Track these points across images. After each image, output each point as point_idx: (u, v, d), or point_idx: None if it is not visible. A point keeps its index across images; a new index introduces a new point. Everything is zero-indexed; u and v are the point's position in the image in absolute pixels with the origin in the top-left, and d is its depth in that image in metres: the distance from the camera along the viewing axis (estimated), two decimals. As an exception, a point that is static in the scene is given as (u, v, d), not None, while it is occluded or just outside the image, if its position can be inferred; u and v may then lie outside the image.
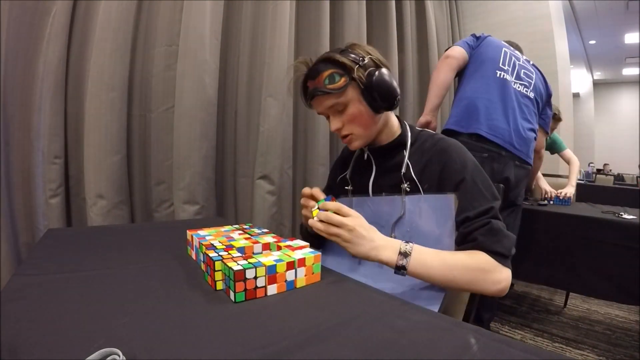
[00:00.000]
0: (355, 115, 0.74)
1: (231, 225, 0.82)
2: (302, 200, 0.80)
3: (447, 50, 1.54)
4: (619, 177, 6.33)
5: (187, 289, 0.55)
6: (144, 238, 0.89)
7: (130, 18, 1.30)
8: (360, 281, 0.61)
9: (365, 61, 0.72)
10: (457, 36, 3.30)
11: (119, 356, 0.33)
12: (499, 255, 0.65)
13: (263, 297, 0.52)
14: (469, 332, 0.42)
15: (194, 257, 0.70)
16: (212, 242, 0.65)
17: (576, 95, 8.92)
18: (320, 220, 0.66)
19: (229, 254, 0.58)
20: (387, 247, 0.65)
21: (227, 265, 0.52)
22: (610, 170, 8.08)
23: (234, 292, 0.50)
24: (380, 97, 0.71)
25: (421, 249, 0.66)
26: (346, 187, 0.87)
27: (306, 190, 0.78)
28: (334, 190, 0.92)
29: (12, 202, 1.13)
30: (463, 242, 0.68)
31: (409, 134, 0.81)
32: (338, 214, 0.66)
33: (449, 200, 0.70)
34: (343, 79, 0.71)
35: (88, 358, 0.33)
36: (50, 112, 1.17)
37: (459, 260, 0.65)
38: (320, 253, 0.60)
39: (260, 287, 0.52)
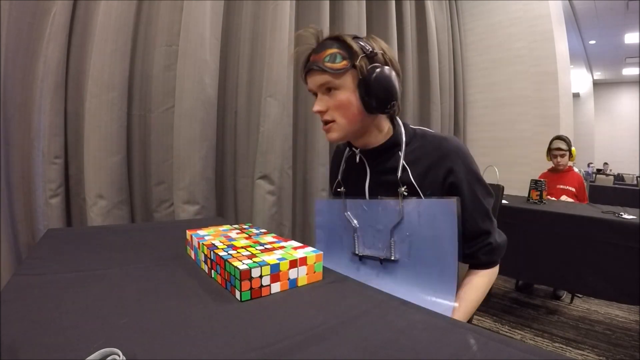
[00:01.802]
0: (344, 103, 0.69)
1: (231, 225, 0.82)
2: None
3: None
4: (619, 177, 6.33)
5: (187, 289, 0.55)
6: (144, 238, 0.89)
7: (130, 18, 1.30)
8: (360, 281, 0.61)
9: (375, 54, 0.68)
10: (457, 36, 3.30)
11: (119, 356, 0.33)
12: (495, 263, 0.75)
13: (267, 296, 0.53)
14: (469, 332, 0.42)
15: (193, 257, 0.70)
16: (212, 241, 0.65)
17: (576, 95, 8.93)
18: None
19: (238, 252, 0.59)
20: None
21: (233, 265, 0.52)
22: (610, 170, 8.08)
23: (240, 291, 0.50)
24: (375, 96, 0.67)
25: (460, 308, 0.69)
26: (338, 190, 0.84)
27: None
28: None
29: (12, 202, 1.13)
30: (464, 260, 0.74)
31: (404, 133, 0.76)
32: None
33: (451, 205, 0.68)
34: (344, 62, 0.67)
35: (88, 358, 0.32)
36: (50, 112, 1.17)
37: (478, 296, 0.73)
38: (321, 252, 0.60)
39: (265, 285, 0.53)
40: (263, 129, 1.53)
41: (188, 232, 0.73)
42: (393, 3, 2.31)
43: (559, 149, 2.30)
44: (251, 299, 0.51)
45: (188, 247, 0.74)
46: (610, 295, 1.55)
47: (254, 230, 0.76)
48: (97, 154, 1.23)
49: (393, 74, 0.68)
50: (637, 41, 6.44)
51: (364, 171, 0.80)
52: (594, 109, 9.61)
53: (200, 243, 0.65)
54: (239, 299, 0.51)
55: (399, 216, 0.73)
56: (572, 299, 2.15)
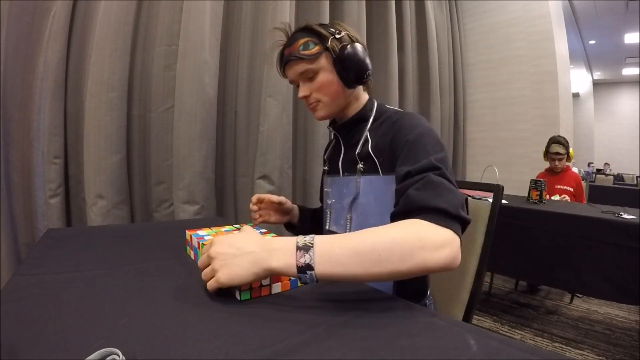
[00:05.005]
0: (324, 84, 0.75)
1: (231, 225, 0.82)
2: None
3: None
4: (618, 177, 6.33)
5: (187, 289, 0.55)
6: (144, 238, 0.89)
7: (130, 18, 1.30)
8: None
9: (342, 35, 0.74)
10: (457, 36, 3.30)
11: (119, 356, 0.33)
12: (438, 213, 0.50)
13: (267, 296, 0.53)
14: (469, 332, 0.42)
15: (192, 257, 0.70)
16: (212, 242, 0.65)
17: (576, 95, 8.93)
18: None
19: None
20: (276, 249, 0.48)
21: None
22: (610, 170, 8.08)
23: (240, 290, 0.50)
24: (351, 70, 0.72)
25: (324, 238, 0.48)
26: (324, 168, 0.90)
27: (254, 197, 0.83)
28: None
29: (12, 202, 1.13)
30: (396, 203, 0.59)
31: (374, 110, 0.79)
32: None
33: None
34: (317, 47, 0.73)
35: (88, 358, 0.32)
36: (50, 112, 1.17)
37: (377, 239, 0.47)
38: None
39: (265, 285, 0.53)
40: (263, 129, 1.53)
41: (188, 232, 0.73)
42: (393, 3, 2.31)
43: (558, 153, 2.29)
44: (251, 298, 0.51)
45: (188, 247, 0.74)
46: (610, 295, 1.55)
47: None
48: (97, 154, 1.23)
49: (360, 47, 0.73)
50: (637, 41, 6.44)
51: (340, 148, 0.84)
52: (593, 109, 9.62)
53: (200, 243, 0.65)
54: (238, 298, 0.50)
55: (355, 192, 0.75)
56: (572, 299, 2.15)
